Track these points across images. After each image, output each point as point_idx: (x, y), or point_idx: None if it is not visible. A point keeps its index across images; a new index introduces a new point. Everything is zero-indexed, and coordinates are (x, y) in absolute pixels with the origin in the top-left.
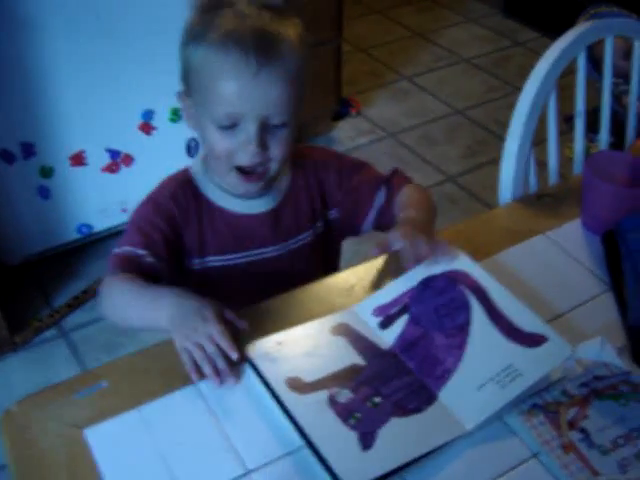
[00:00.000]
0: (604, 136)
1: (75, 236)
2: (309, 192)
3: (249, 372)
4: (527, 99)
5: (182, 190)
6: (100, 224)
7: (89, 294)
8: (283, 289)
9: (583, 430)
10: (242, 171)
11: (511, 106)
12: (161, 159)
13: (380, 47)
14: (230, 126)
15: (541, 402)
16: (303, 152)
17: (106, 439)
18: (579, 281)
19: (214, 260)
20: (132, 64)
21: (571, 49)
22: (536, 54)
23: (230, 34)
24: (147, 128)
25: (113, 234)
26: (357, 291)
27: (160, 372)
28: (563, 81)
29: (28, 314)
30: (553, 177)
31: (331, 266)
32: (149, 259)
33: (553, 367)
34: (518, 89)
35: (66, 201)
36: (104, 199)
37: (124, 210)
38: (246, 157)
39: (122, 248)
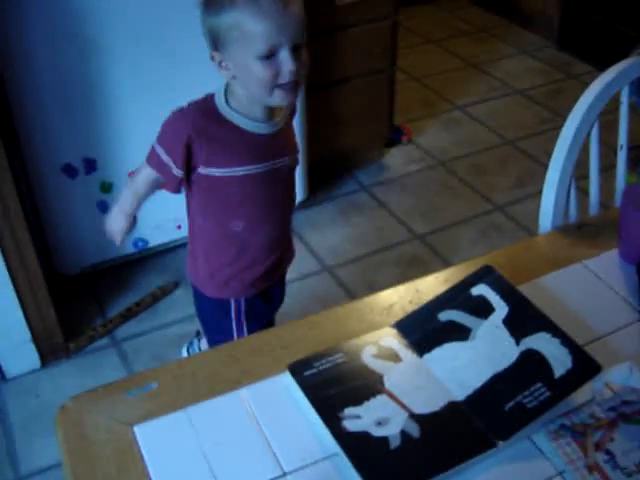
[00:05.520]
0: None
1: (131, 250)
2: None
3: (289, 382)
4: (570, 130)
5: (202, 117)
6: (155, 239)
7: (142, 306)
8: (270, 198)
9: (609, 452)
10: (282, 88)
11: None
12: None
13: (434, 76)
14: (270, 55)
15: (569, 423)
16: None
17: (153, 436)
18: (613, 309)
19: (216, 171)
20: (193, 85)
21: (615, 83)
22: None
23: None
24: None
25: (168, 249)
26: (396, 310)
27: (206, 377)
28: (614, 115)
29: (82, 323)
30: (594, 208)
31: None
32: (176, 170)
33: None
34: None
35: None
36: (160, 215)
37: (179, 227)
38: (287, 75)
39: (165, 151)
